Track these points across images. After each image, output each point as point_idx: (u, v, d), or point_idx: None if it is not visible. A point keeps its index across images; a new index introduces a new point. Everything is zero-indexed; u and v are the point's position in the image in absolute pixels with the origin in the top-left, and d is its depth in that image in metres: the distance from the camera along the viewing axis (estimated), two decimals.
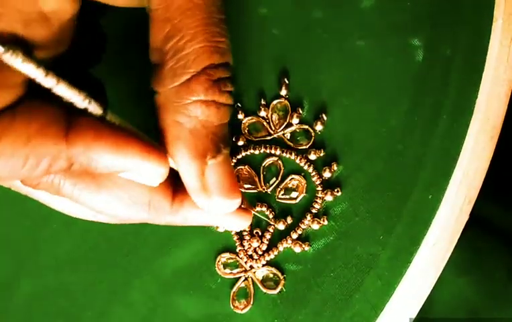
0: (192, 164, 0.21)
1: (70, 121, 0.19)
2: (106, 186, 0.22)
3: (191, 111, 0.21)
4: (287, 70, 0.28)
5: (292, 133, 0.28)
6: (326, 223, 0.28)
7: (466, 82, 0.28)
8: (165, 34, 0.21)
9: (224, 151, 0.22)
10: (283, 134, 0.28)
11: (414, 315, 0.28)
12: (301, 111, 0.28)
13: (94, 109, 0.20)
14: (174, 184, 0.23)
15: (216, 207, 0.22)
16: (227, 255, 0.28)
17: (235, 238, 0.28)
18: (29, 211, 0.25)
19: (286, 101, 0.28)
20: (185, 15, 0.20)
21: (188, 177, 0.22)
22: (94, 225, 0.25)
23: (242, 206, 0.25)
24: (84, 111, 0.20)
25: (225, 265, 0.28)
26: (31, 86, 0.19)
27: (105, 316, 0.29)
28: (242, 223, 0.25)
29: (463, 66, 0.28)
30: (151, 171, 0.21)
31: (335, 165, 0.28)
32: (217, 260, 0.28)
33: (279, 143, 0.28)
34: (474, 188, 0.28)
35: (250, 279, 0.28)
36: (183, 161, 0.21)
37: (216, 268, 0.28)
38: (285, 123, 0.28)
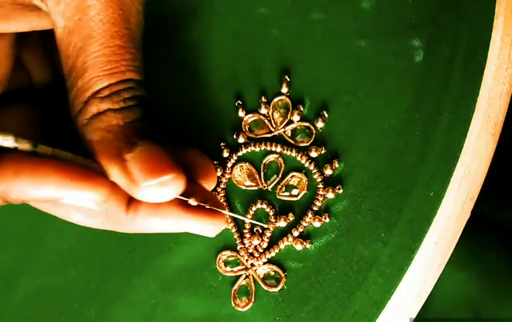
0: (113, 167, 0.22)
1: None
2: None
3: (93, 125, 0.22)
4: (288, 67, 0.28)
5: (293, 131, 0.28)
6: (327, 220, 0.28)
7: (467, 80, 0.28)
8: (67, 70, 0.23)
9: (140, 143, 0.22)
10: (284, 131, 0.28)
11: (416, 312, 0.28)
12: (302, 109, 0.28)
13: (23, 146, 0.21)
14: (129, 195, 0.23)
15: (150, 193, 0.22)
16: (228, 253, 0.28)
17: (236, 236, 0.28)
18: (31, 207, 0.25)
19: (287, 99, 0.28)
20: (80, 53, 0.22)
21: (117, 179, 0.22)
22: None
23: (207, 206, 0.24)
24: (14, 150, 0.21)
25: (226, 263, 0.28)
26: None
27: (107, 314, 0.29)
28: (213, 225, 0.25)
29: (464, 63, 0.28)
30: (86, 196, 0.21)
31: (336, 162, 0.28)
32: (218, 258, 0.28)
33: (280, 140, 0.28)
34: (475, 185, 0.28)
35: (251, 277, 0.28)
36: (106, 168, 0.22)
37: (217, 266, 0.28)
38: (286, 121, 0.28)
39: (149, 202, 0.22)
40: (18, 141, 0.21)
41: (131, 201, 0.24)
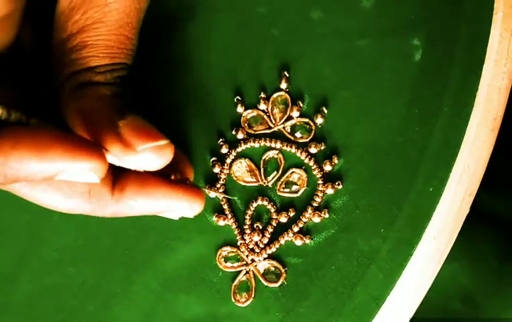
0: (106, 133, 0.21)
1: None
2: None
3: (81, 93, 0.22)
4: (288, 63, 0.28)
5: (292, 127, 0.28)
6: (327, 216, 0.28)
7: (466, 75, 0.28)
8: (61, 40, 0.23)
9: (129, 112, 0.22)
10: (284, 127, 0.28)
11: (416, 307, 0.28)
12: (301, 105, 0.28)
13: (16, 116, 0.20)
14: (114, 174, 0.23)
15: (146, 158, 0.22)
16: (228, 248, 0.28)
17: (236, 232, 0.28)
18: (29, 205, 0.24)
19: (286, 95, 0.28)
20: (81, 31, 0.22)
21: (111, 146, 0.21)
22: (95, 218, 0.25)
23: (188, 182, 0.25)
24: (5, 122, 0.20)
25: (226, 259, 0.28)
26: None
27: (106, 311, 0.29)
28: (193, 203, 0.25)
29: (463, 58, 0.28)
30: (84, 168, 0.20)
31: (336, 158, 0.28)
32: (218, 254, 0.28)
33: (279, 136, 0.28)
34: (474, 180, 0.28)
35: (251, 272, 0.28)
36: (99, 135, 0.21)
37: (217, 262, 0.28)
38: (286, 117, 0.28)
39: (141, 169, 0.22)
40: (10, 112, 0.19)
41: (116, 182, 0.23)
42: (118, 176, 0.24)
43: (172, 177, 0.24)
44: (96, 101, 0.22)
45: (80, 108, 0.22)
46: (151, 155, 0.21)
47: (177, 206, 0.24)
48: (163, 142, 0.21)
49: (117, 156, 0.22)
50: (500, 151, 0.28)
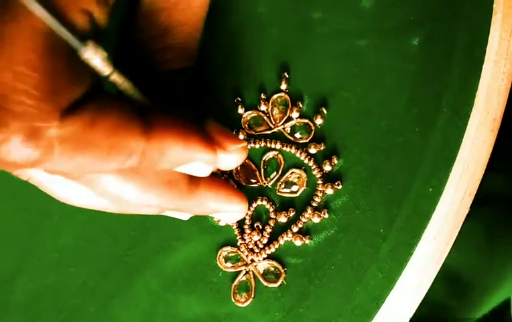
0: (199, 136, 0.22)
1: (143, 116, 0.20)
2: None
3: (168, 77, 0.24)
4: (287, 64, 0.28)
5: (292, 127, 0.28)
6: (326, 216, 0.28)
7: (466, 75, 0.28)
8: (148, 37, 0.23)
9: (204, 118, 0.23)
10: (284, 128, 0.28)
11: (415, 307, 0.28)
12: (301, 105, 0.28)
13: (108, 70, 0.19)
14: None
15: (233, 158, 0.23)
16: (228, 249, 0.28)
17: (236, 232, 0.28)
18: (30, 205, 0.25)
19: (286, 95, 0.28)
20: (166, 32, 0.23)
21: (196, 142, 0.22)
22: (96, 218, 0.25)
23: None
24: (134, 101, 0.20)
25: (226, 259, 0.28)
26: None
27: (106, 311, 0.29)
28: (242, 206, 0.25)
29: (463, 59, 0.28)
30: (210, 159, 0.22)
31: (335, 158, 0.28)
32: (218, 254, 0.28)
33: (279, 137, 0.28)
34: (474, 180, 0.28)
35: (251, 272, 0.28)
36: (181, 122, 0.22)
37: (217, 262, 0.28)
38: (286, 117, 0.28)
39: (223, 168, 0.23)
40: (105, 63, 0.18)
41: (191, 181, 0.24)
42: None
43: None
44: (179, 107, 0.23)
45: (170, 94, 0.23)
46: (237, 155, 0.23)
47: (235, 208, 0.25)
48: (245, 143, 0.23)
49: (207, 153, 0.22)
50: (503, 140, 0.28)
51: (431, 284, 0.28)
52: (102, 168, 0.19)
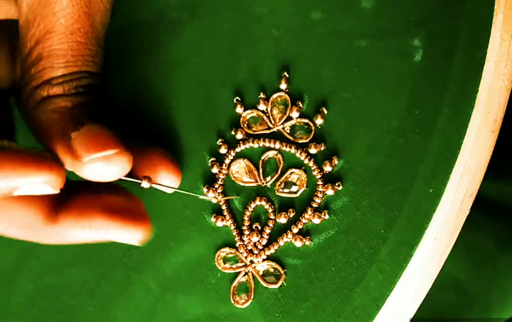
0: (58, 145, 0.22)
1: None
2: None
3: (42, 107, 0.23)
4: (287, 64, 0.28)
5: (292, 127, 0.28)
6: (326, 217, 0.28)
7: (466, 76, 0.28)
8: (23, 55, 0.23)
9: (86, 122, 0.22)
10: (283, 128, 0.28)
11: (415, 309, 0.28)
12: (301, 105, 0.28)
13: None
14: (51, 203, 0.23)
15: (94, 169, 0.21)
16: (227, 250, 0.28)
17: (235, 233, 0.28)
18: None
19: (286, 95, 0.28)
20: (37, 43, 0.23)
21: (63, 158, 0.22)
22: None
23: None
24: None
25: (225, 260, 0.28)
26: None
27: (106, 312, 0.29)
28: (136, 232, 0.24)
29: (464, 59, 0.28)
30: (37, 181, 0.20)
31: (335, 159, 0.28)
32: (217, 255, 0.28)
33: (278, 137, 0.28)
34: (475, 182, 0.28)
35: (250, 274, 0.28)
36: (53, 148, 0.22)
37: (216, 263, 0.28)
38: (285, 117, 0.28)
39: (93, 179, 0.22)
40: None
41: (52, 212, 0.23)
42: (56, 208, 0.23)
43: (143, 184, 0.24)
44: (53, 114, 0.22)
45: (39, 122, 0.23)
46: (99, 165, 0.21)
47: (120, 236, 0.24)
48: (111, 151, 0.21)
49: (70, 168, 0.22)
50: (499, 137, 0.28)
51: (436, 292, 0.28)
52: None
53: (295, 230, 0.28)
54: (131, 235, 0.24)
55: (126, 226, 0.23)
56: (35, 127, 0.23)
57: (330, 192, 0.28)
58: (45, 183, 0.20)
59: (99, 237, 0.23)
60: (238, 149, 0.28)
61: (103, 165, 0.21)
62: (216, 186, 0.28)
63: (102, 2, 0.23)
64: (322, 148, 0.28)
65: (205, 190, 0.28)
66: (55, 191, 0.21)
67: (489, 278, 0.42)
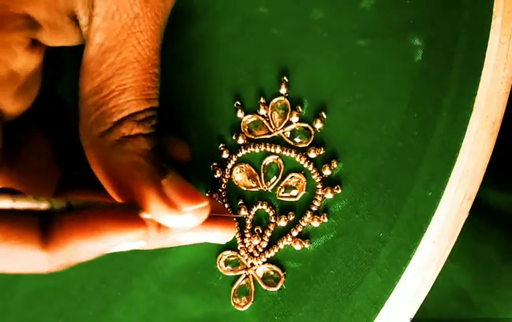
0: (151, 191, 0.21)
1: (43, 223, 0.19)
2: None
3: (123, 147, 0.21)
4: (287, 68, 0.28)
5: (292, 132, 0.28)
6: (326, 220, 0.28)
7: (465, 80, 0.28)
8: (95, 87, 0.22)
9: (169, 169, 0.22)
10: (283, 132, 0.28)
11: (414, 311, 0.28)
12: (301, 110, 0.28)
13: (58, 204, 0.19)
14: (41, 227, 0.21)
15: (189, 218, 0.21)
16: (228, 252, 0.28)
17: (236, 236, 0.28)
18: None
19: (286, 100, 0.28)
20: (117, 74, 0.21)
21: (152, 205, 0.21)
22: None
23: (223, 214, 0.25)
24: (50, 211, 0.19)
25: (226, 263, 0.28)
26: None
27: (106, 315, 0.29)
28: (227, 232, 0.25)
29: (463, 63, 0.28)
30: (133, 238, 0.20)
31: (335, 163, 0.28)
32: (218, 258, 0.28)
33: (279, 141, 0.28)
34: (473, 185, 0.28)
35: (250, 276, 0.28)
36: (143, 193, 0.21)
37: (217, 266, 0.28)
38: (285, 122, 0.28)
39: (180, 229, 0.22)
40: (52, 202, 0.19)
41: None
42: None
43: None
44: (138, 157, 0.21)
45: (117, 164, 0.21)
46: (193, 216, 0.21)
47: (209, 238, 0.25)
48: (204, 204, 0.21)
49: (159, 216, 0.21)
50: (502, 144, 0.28)
51: (440, 300, 0.28)
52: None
53: (294, 233, 0.28)
54: (220, 236, 0.25)
55: (214, 228, 0.25)
56: (108, 167, 0.22)
57: (329, 195, 0.28)
58: (138, 239, 0.20)
59: (104, 249, 0.23)
60: (239, 154, 0.28)
61: (196, 216, 0.21)
62: (220, 190, 0.28)
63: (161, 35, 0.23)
64: (322, 152, 0.28)
65: (207, 194, 0.28)
66: (145, 244, 0.21)
67: (493, 288, 0.42)
